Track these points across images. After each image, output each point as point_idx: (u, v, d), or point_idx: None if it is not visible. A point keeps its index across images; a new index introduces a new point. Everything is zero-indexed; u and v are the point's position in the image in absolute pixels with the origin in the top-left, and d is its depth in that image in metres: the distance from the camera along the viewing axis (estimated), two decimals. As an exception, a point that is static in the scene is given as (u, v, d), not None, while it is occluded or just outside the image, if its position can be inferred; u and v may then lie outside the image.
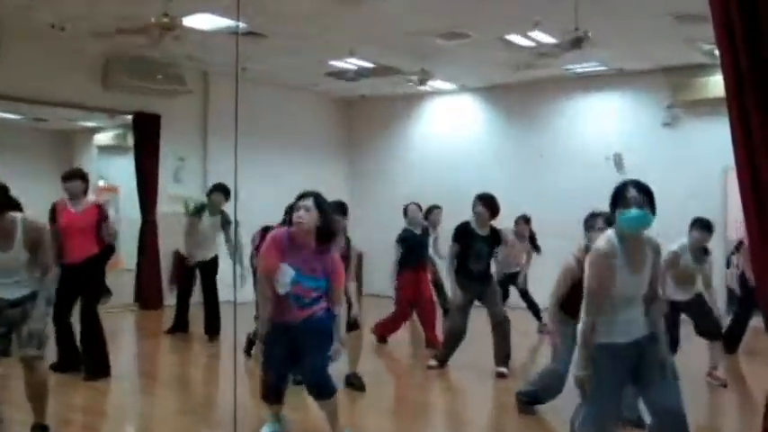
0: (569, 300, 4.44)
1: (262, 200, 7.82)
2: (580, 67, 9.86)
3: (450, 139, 11.81)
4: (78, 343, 5.91)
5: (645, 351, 3.44)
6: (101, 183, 12.96)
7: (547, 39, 7.95)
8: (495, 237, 6.51)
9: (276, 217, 5.39)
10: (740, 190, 1.88)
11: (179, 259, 9.08)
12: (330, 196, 4.41)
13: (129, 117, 9.85)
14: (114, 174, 12.40)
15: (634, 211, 3.23)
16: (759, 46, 1.77)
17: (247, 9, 7.03)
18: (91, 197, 6.13)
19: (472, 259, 6.38)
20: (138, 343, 8.32)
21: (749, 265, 6.93)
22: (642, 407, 4.29)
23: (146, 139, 9.81)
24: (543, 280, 5.75)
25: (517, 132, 11.20)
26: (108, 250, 5.97)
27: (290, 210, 6.12)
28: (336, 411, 4.23)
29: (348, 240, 5.58)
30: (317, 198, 4.14)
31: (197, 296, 8.16)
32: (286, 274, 4.04)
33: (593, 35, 6.90)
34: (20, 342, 4.12)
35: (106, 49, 8.94)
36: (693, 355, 6.35)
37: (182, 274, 8.45)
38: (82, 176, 5.85)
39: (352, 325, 5.59)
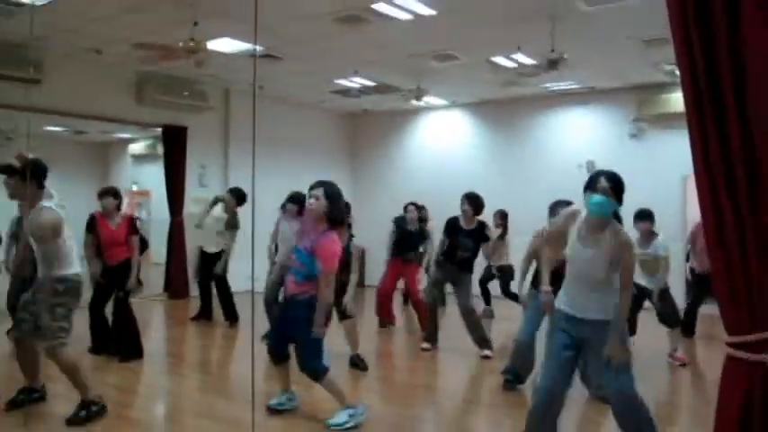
0: (536, 275, 4.66)
1: (276, 202, 7.79)
2: (557, 86, 9.87)
3: (443, 149, 11.81)
4: (111, 329, 5.93)
5: (593, 334, 3.23)
6: (134, 187, 13.00)
7: (528, 60, 7.94)
8: (481, 232, 6.44)
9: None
10: (698, 195, 1.88)
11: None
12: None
13: (159, 129, 9.85)
14: (146, 179, 12.43)
15: (596, 197, 3.16)
16: (715, 64, 1.77)
17: (264, 34, 7.06)
18: (124, 210, 6.11)
19: (457, 250, 6.38)
20: (167, 329, 8.31)
21: (697, 257, 6.98)
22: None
23: (174, 149, 9.81)
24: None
25: (502, 143, 11.20)
26: (142, 247, 6.10)
27: (290, 198, 6.35)
28: (334, 387, 4.17)
29: (351, 236, 5.58)
30: (326, 187, 4.13)
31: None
32: (290, 240, 4.22)
33: (569, 57, 6.91)
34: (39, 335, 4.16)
35: (139, 69, 8.95)
36: (657, 338, 6.36)
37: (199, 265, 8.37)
38: (114, 194, 5.85)
39: (344, 314, 5.59)
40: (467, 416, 4.70)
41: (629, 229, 4.26)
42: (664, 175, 9.34)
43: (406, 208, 7.71)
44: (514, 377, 5.16)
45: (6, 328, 5.67)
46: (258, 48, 7.82)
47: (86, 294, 4.88)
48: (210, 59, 7.50)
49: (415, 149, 12.21)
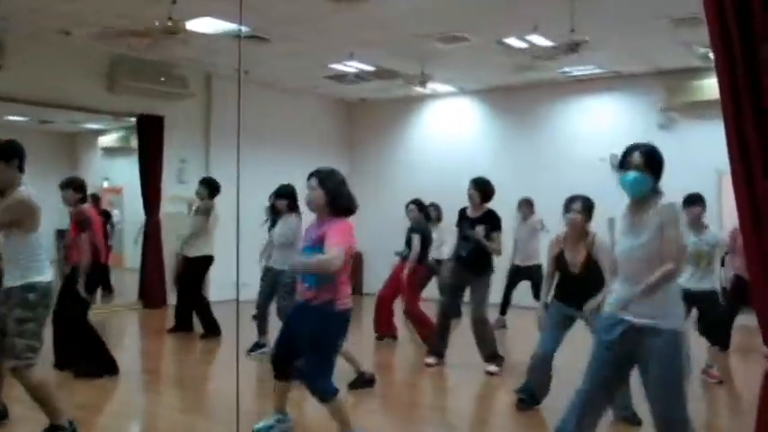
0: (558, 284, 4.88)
1: (262, 200, 7.80)
2: (577, 70, 9.86)
3: (449, 141, 11.81)
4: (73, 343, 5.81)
5: (641, 340, 3.08)
6: (105, 184, 12.96)
7: (544, 42, 7.94)
8: (490, 220, 6.21)
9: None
10: (734, 191, 1.87)
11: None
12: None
13: (133, 119, 9.86)
14: (118, 175, 12.41)
15: (630, 174, 3.16)
16: (754, 49, 1.76)
17: (250, 12, 7.05)
18: (85, 206, 5.76)
19: (461, 241, 6.31)
20: (141, 341, 8.30)
21: (733, 263, 6.88)
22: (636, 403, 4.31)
23: (149, 141, 9.81)
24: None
25: (515, 134, 11.20)
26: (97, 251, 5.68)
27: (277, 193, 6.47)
28: (339, 411, 4.03)
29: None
30: (321, 175, 4.08)
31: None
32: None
33: (590, 38, 6.90)
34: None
35: (111, 52, 8.94)
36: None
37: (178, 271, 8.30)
38: (76, 186, 5.69)
39: None
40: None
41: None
42: (696, 170, 9.28)
43: (407, 207, 7.70)
44: (529, 396, 5.08)
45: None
46: (243, 28, 7.81)
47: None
48: (190, 41, 7.50)
49: (419, 142, 12.20)
